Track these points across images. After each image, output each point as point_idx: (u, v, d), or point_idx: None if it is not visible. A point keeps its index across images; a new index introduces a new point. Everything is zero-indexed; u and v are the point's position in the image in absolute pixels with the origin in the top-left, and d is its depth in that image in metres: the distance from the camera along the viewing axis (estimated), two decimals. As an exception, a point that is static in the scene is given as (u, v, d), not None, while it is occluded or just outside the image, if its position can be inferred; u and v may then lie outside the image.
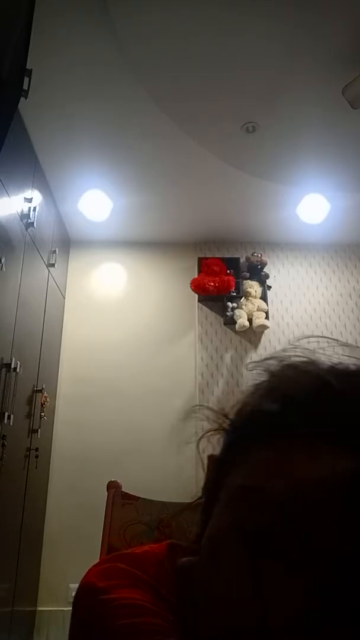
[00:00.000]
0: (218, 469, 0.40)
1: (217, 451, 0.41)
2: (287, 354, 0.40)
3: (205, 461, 0.43)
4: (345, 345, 0.40)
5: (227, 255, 3.32)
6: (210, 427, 0.42)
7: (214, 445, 0.41)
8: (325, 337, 0.42)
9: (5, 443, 1.94)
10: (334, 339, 0.41)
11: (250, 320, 3.07)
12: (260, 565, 0.32)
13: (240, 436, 0.39)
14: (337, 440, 0.32)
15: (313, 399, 0.34)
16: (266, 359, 0.40)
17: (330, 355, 0.39)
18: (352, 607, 0.30)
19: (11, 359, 2.03)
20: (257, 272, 3.24)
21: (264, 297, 3.18)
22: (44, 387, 2.57)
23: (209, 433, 0.42)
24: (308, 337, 0.42)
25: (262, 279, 3.23)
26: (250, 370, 0.41)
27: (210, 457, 0.42)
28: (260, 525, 0.32)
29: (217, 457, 0.41)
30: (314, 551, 0.30)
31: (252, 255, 3.26)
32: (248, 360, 3.06)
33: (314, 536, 0.30)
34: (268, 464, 0.34)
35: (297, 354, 0.40)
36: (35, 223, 2.35)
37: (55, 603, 2.54)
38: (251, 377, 0.40)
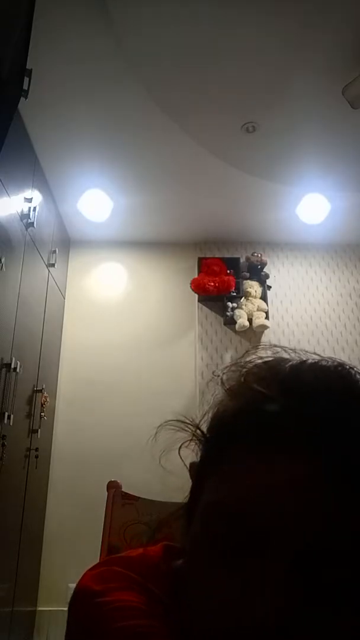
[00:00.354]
0: (197, 475, 0.42)
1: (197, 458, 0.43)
2: (246, 360, 0.42)
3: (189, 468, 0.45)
4: (293, 350, 0.42)
5: (227, 255, 3.32)
6: (186, 438, 0.44)
7: (195, 452, 0.43)
8: (276, 345, 0.44)
9: (5, 443, 1.94)
10: (281, 346, 0.43)
11: (250, 320, 3.06)
12: (244, 564, 0.33)
13: (213, 444, 0.41)
14: (296, 445, 0.33)
15: (268, 407, 0.36)
16: (227, 366, 0.43)
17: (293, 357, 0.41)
18: (337, 597, 0.31)
19: (11, 359, 2.03)
20: (257, 272, 3.24)
21: (264, 297, 3.18)
22: (44, 387, 2.57)
23: (186, 443, 0.44)
24: (260, 344, 0.45)
25: (262, 279, 3.22)
26: (214, 377, 0.43)
27: (192, 465, 0.44)
28: (235, 530, 0.33)
29: (196, 463, 0.43)
30: (286, 550, 0.32)
31: (252, 255, 3.26)
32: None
33: (282, 535, 0.32)
34: (240, 471, 0.35)
35: (255, 360, 0.42)
36: (35, 223, 2.35)
37: (55, 603, 2.54)
38: (214, 386, 0.42)
